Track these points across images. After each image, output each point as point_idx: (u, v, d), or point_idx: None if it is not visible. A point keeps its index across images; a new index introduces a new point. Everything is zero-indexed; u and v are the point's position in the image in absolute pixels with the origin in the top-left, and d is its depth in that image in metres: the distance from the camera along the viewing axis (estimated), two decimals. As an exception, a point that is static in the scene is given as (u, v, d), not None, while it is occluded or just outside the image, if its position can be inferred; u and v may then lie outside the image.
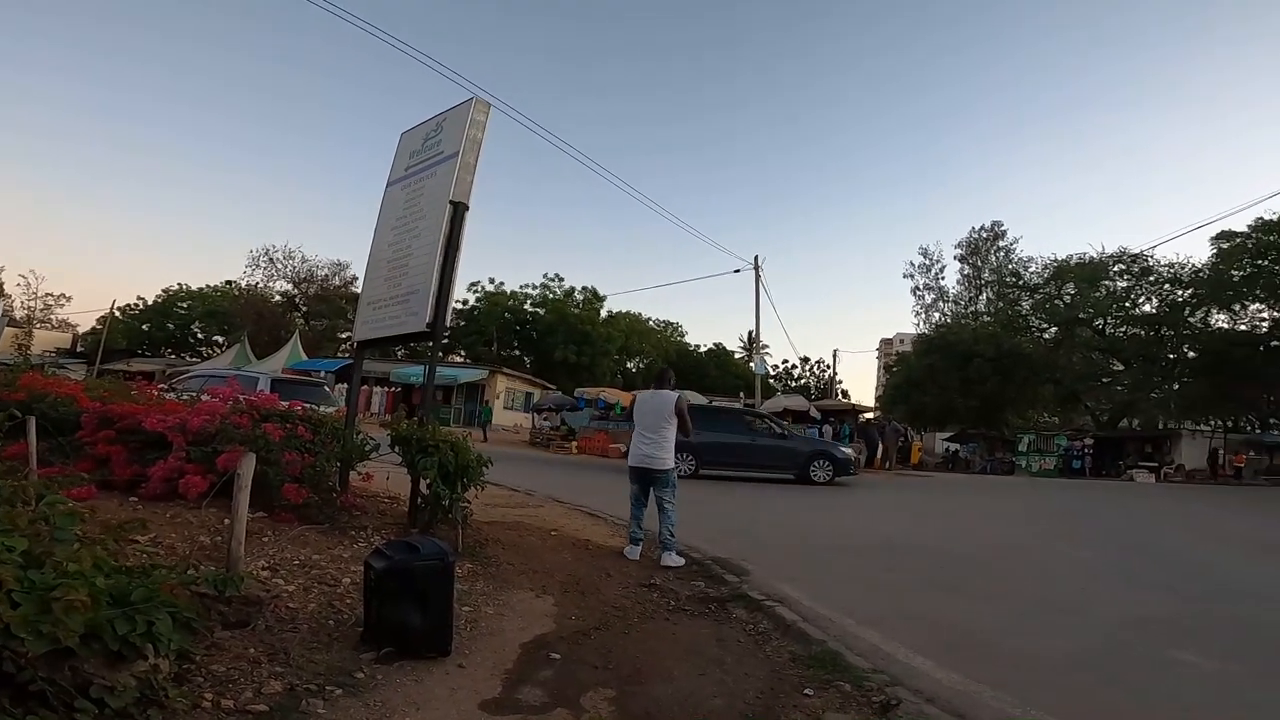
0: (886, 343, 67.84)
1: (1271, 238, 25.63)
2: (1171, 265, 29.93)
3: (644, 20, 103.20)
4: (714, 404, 17.18)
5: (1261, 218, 26.07)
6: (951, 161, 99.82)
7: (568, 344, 44.24)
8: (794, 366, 64.34)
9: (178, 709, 2.05)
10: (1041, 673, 3.48)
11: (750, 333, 32.08)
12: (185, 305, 48.66)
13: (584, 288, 48.75)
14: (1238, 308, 28.00)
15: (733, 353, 60.58)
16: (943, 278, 46.39)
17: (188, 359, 41.51)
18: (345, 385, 20.81)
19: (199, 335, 49.57)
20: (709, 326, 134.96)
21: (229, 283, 46.35)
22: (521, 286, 48.43)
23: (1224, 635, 4.36)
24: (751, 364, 31.23)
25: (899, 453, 24.83)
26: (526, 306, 47.94)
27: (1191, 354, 29.35)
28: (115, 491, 4.76)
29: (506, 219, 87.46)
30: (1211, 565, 7.06)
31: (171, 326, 48.87)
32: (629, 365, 52.74)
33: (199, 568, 3.04)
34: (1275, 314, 27.40)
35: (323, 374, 25.07)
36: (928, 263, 46.55)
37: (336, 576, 3.77)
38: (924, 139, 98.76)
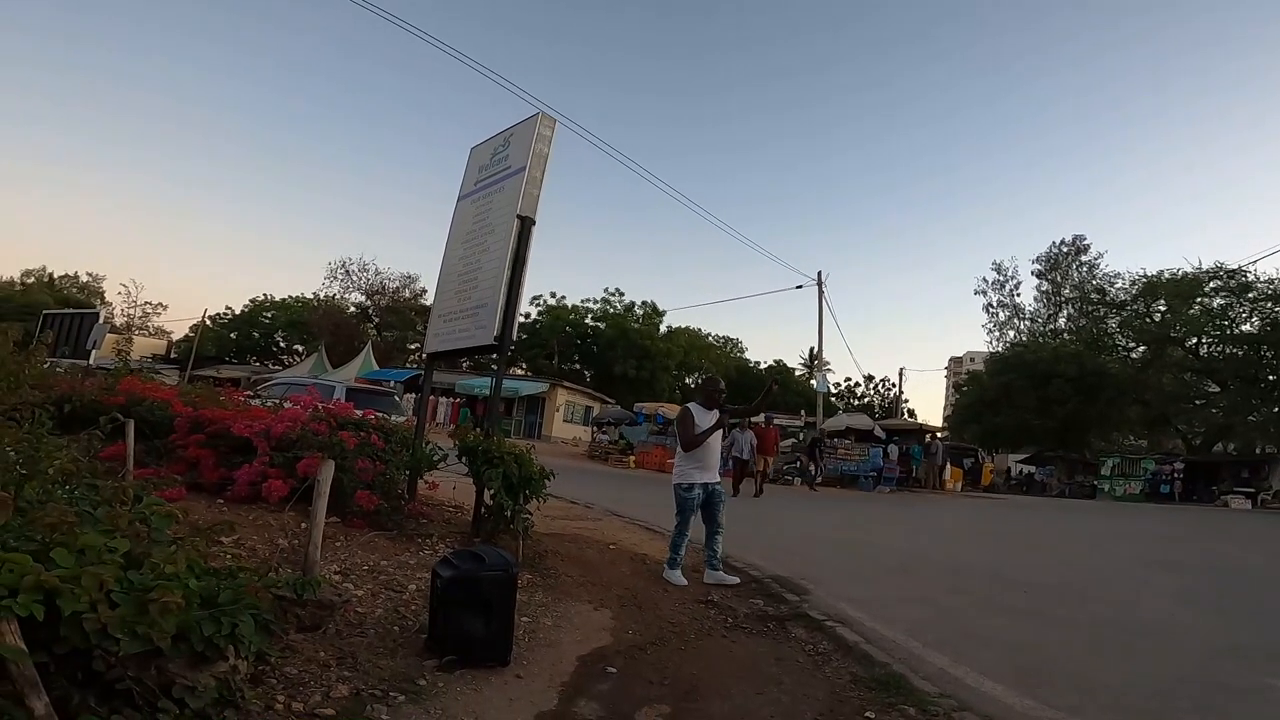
0: (956, 361, 65.06)
1: (1384, 252, 23.49)
2: (1272, 281, 27.83)
3: (703, 20, 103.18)
4: None
5: (1374, 231, 23.98)
6: (1025, 171, 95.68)
7: (627, 359, 44.42)
8: (857, 384, 62.60)
9: (252, 710, 2.09)
10: (1125, 698, 3.26)
11: (812, 349, 31.35)
12: (269, 315, 50.90)
13: (644, 302, 48.92)
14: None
15: (793, 369, 59.36)
16: (1018, 294, 44.48)
17: (270, 366, 43.60)
18: (414, 395, 21.52)
19: (281, 344, 51.78)
20: (769, 341, 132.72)
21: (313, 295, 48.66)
22: (582, 301, 48.97)
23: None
24: (813, 381, 30.58)
25: (969, 474, 24.13)
26: (587, 320, 48.38)
27: (1294, 376, 27.14)
28: (203, 493, 5.02)
29: (567, 233, 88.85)
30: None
31: (256, 335, 51.15)
32: (688, 381, 52.51)
33: (279, 570, 3.19)
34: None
35: (392, 384, 25.96)
36: (1001, 279, 44.71)
37: (403, 583, 3.89)
38: (995, 146, 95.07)
